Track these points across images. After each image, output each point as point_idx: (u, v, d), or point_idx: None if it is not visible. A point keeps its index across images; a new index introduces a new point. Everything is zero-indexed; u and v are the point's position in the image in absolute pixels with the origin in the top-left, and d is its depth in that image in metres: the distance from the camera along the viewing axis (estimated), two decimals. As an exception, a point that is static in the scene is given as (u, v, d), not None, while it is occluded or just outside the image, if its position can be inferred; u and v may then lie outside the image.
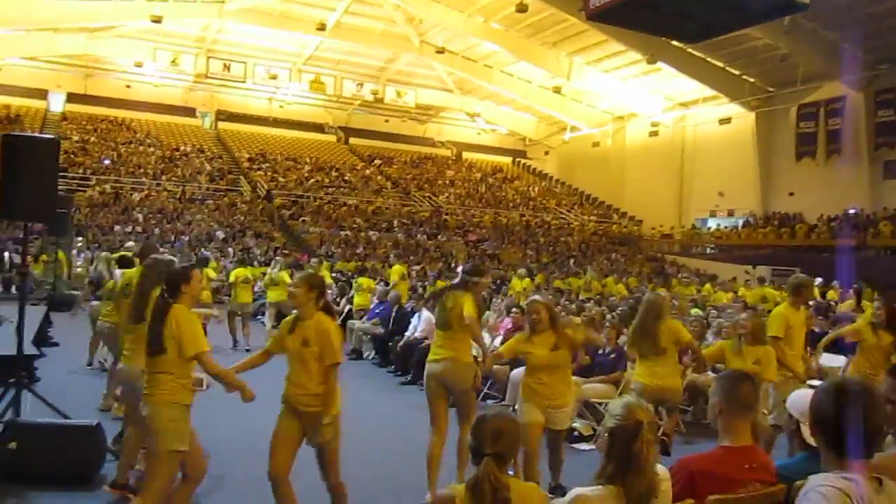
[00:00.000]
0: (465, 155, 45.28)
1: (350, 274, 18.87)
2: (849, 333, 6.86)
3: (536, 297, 5.57)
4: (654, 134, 35.67)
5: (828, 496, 1.77)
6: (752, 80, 29.46)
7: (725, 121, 32.01)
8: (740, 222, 31.14)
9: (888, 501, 1.90)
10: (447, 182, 39.16)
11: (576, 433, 7.34)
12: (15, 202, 5.70)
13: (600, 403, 7.72)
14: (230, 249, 23.26)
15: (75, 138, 32.30)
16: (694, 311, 12.40)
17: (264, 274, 15.47)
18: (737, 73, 29.44)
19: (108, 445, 5.68)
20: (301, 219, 29.18)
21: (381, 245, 27.43)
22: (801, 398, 3.00)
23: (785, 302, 6.85)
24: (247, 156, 36.12)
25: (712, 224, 33.07)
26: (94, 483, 5.27)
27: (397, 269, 17.21)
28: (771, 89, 29.47)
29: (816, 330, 9.39)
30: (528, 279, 19.35)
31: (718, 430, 2.94)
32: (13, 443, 5.17)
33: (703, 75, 29.56)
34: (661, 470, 2.67)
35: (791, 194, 29.09)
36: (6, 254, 16.83)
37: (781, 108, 29.14)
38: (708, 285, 21.94)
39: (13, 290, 16.43)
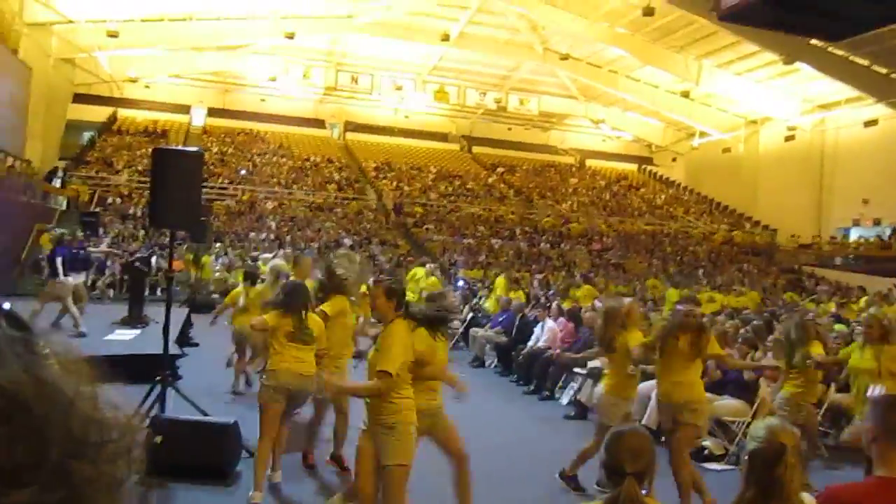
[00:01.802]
0: (589, 162, 44.61)
1: (474, 282, 18.95)
2: None
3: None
4: (790, 138, 33.83)
5: None
6: (901, 78, 27.44)
7: (871, 123, 29.93)
8: (888, 231, 28.99)
9: None
10: (570, 190, 38.69)
11: (706, 451, 7.05)
12: (163, 211, 6.08)
13: (732, 422, 7.38)
14: (357, 256, 23.90)
15: (214, 150, 34.20)
16: (838, 326, 11.63)
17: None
18: (884, 71, 27.48)
19: (244, 443, 5.95)
20: (425, 227, 29.62)
21: (503, 253, 27.42)
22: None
23: None
24: (373, 165, 37.07)
25: (855, 233, 30.95)
26: (230, 478, 5.52)
27: (500, 282, 17.01)
28: (923, 88, 27.32)
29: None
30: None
31: (872, 458, 2.72)
32: (158, 437, 5.50)
33: (845, 75, 27.75)
34: (809, 499, 2.50)
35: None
36: (153, 259, 17.99)
37: (934, 108, 26.97)
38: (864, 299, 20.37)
39: (159, 292, 17.58)
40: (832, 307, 18.18)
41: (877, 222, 29.93)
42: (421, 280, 15.76)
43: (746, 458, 2.49)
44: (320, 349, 5.52)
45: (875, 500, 2.60)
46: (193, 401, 6.19)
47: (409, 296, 13.09)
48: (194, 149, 7.01)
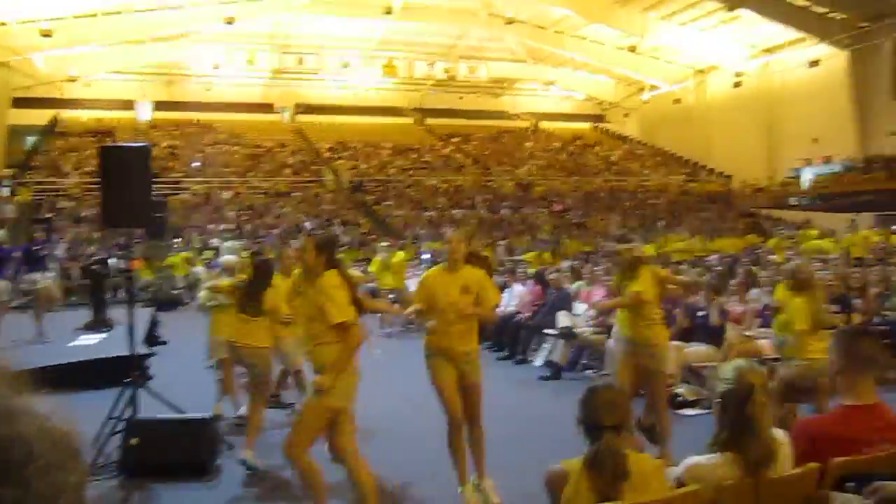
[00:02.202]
0: (543, 125, 44.67)
1: (439, 253, 18.95)
2: None
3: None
4: (738, 85, 34.21)
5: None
6: (841, 16, 27.83)
7: (814, 63, 30.35)
8: (839, 168, 29.60)
9: None
10: (527, 154, 38.77)
11: (680, 398, 7.18)
12: (115, 210, 5.95)
13: (703, 367, 7.52)
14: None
15: (164, 144, 33.53)
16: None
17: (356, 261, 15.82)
18: (823, 10, 27.86)
19: (222, 437, 5.92)
20: (385, 203, 29.50)
21: (466, 222, 27.45)
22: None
23: None
24: (327, 146, 36.71)
25: (808, 173, 31.54)
26: (211, 473, 5.49)
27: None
28: (863, 24, 27.73)
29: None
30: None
31: (839, 389, 2.79)
32: (134, 439, 5.44)
33: (787, 17, 28.12)
34: (780, 434, 2.56)
35: (893, 134, 27.45)
36: (111, 260, 17.64)
37: (875, 43, 27.43)
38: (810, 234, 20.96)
39: (119, 293, 17.30)
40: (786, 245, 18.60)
41: (827, 160, 30.54)
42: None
43: (717, 400, 2.54)
44: (285, 317, 5.75)
45: (843, 427, 2.67)
46: (167, 399, 6.13)
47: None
48: (141, 144, 6.85)
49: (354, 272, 6.59)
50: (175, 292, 17.91)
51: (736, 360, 2.71)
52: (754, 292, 8.87)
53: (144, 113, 37.98)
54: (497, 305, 4.89)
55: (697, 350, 7.74)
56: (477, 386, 4.66)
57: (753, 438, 2.44)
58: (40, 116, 34.45)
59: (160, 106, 38.46)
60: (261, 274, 6.05)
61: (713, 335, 7.87)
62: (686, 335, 7.90)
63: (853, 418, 2.69)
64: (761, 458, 2.44)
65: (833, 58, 29.15)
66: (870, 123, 28.51)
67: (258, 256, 6.60)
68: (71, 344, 9.69)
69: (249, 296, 5.92)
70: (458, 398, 4.58)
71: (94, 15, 28.65)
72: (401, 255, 14.45)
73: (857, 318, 7.86)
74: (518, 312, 10.80)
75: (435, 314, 4.64)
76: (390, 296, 14.24)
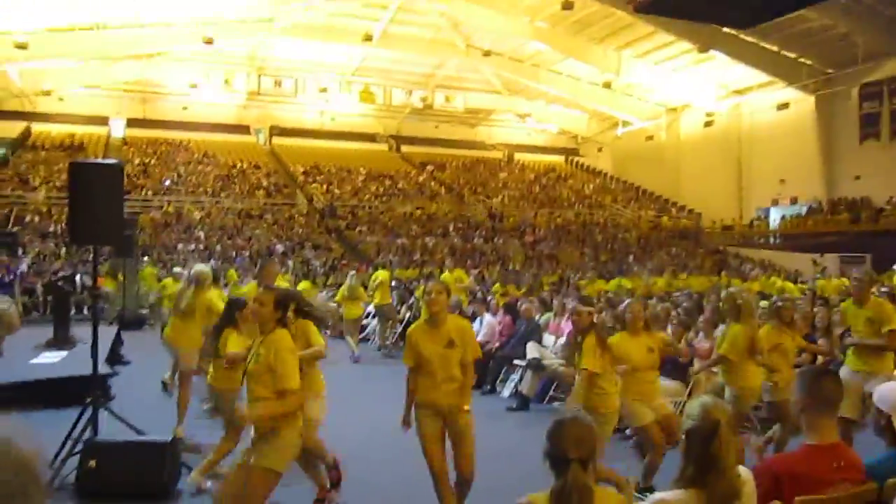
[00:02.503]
0: (518, 156, 45.10)
1: (410, 281, 18.94)
2: None
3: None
4: (709, 124, 34.92)
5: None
6: (809, 62, 28.63)
7: (783, 106, 31.14)
8: (804, 209, 30.22)
9: None
10: (500, 184, 39.05)
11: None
12: (84, 227, 5.87)
13: (671, 403, 7.55)
14: (290, 262, 23.61)
15: (136, 161, 33.26)
16: (763, 303, 12.03)
17: (326, 287, 15.77)
18: (793, 56, 28.63)
19: (183, 460, 5.81)
20: (357, 229, 29.46)
21: (438, 251, 27.49)
22: (891, 391, 2.85)
23: (849, 300, 6.69)
24: (301, 169, 36.65)
25: (775, 213, 32.16)
26: (171, 497, 5.38)
27: (447, 277, 17.24)
28: (830, 70, 28.56)
29: None
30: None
31: (803, 428, 2.83)
32: (93, 461, 5.32)
33: (757, 61, 28.83)
34: (744, 472, 2.58)
35: (857, 178, 28.13)
36: (77, 277, 17.40)
37: (842, 88, 28.23)
38: (774, 278, 21.34)
39: (85, 311, 17.01)
40: (756, 286, 18.86)
41: (794, 201, 31.18)
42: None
43: (684, 436, 2.55)
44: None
45: (806, 467, 2.70)
46: (128, 420, 6.01)
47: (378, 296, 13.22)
48: (113, 161, 6.80)
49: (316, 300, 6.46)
50: (142, 312, 17.64)
51: (702, 397, 2.74)
52: (721, 328, 8.94)
53: (117, 129, 37.65)
54: (474, 359, 4.71)
55: (665, 386, 7.78)
56: (468, 442, 4.57)
57: (718, 475, 2.45)
58: (10, 129, 34.01)
59: (134, 123, 38.17)
60: (226, 314, 5.95)
61: (680, 371, 7.94)
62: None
63: (815, 458, 2.73)
64: (725, 495, 2.45)
65: (801, 101, 29.90)
66: (835, 166, 29.22)
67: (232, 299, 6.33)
68: (31, 361, 9.48)
69: (214, 335, 5.87)
70: (439, 449, 4.54)
71: (72, 29, 28.49)
72: (384, 273, 14.36)
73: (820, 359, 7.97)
74: (487, 342, 10.79)
75: (423, 371, 4.58)
76: (370, 310, 14.26)
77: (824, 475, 2.67)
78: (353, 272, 14.92)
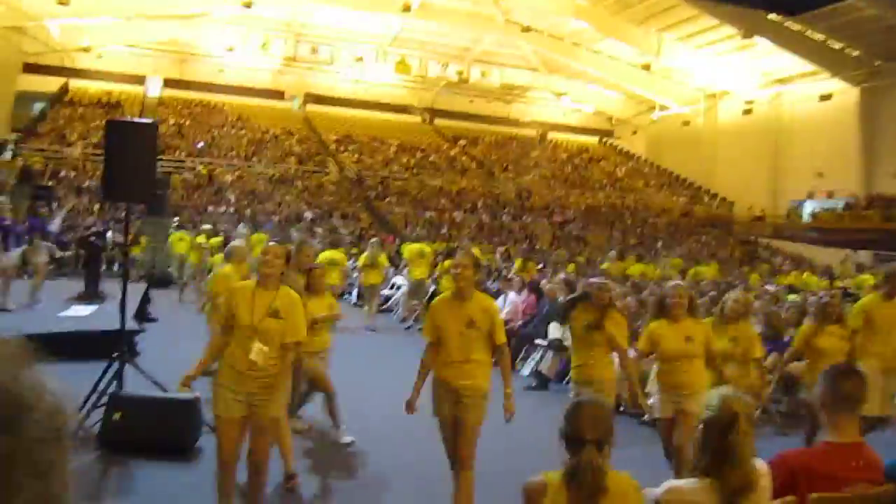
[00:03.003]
0: (551, 135, 44.73)
1: (439, 254, 18.96)
2: None
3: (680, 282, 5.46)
4: (748, 112, 34.31)
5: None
6: (856, 53, 27.91)
7: (826, 97, 30.47)
8: (840, 204, 29.68)
9: None
10: (532, 163, 38.82)
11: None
12: (117, 183, 5.95)
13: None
14: (318, 230, 23.75)
15: (171, 122, 33.53)
16: (790, 297, 11.92)
17: (352, 256, 15.85)
18: (839, 46, 27.94)
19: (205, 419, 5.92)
20: (387, 199, 29.51)
21: (466, 226, 27.47)
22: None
23: (874, 293, 6.55)
24: (334, 137, 36.72)
25: (809, 206, 31.62)
26: (191, 454, 5.49)
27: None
28: (878, 63, 27.83)
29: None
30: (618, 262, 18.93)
31: (822, 424, 2.80)
32: (117, 414, 5.44)
33: (802, 50, 28.19)
34: (760, 464, 2.57)
35: (896, 175, 27.55)
36: (109, 233, 17.64)
37: (889, 82, 27.51)
38: (797, 273, 20.98)
39: (115, 267, 17.29)
40: (786, 280, 18.63)
41: (830, 195, 30.60)
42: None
43: (701, 426, 2.55)
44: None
45: (823, 464, 2.68)
46: (153, 377, 6.12)
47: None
48: (149, 120, 6.86)
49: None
50: (170, 270, 17.88)
51: (722, 388, 2.72)
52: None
53: (154, 89, 37.92)
54: (504, 344, 4.49)
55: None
56: (468, 426, 4.31)
57: (734, 467, 2.44)
58: (49, 84, 34.44)
59: (170, 83, 38.41)
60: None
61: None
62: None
63: (834, 455, 2.70)
64: (740, 487, 2.45)
65: (845, 93, 29.23)
66: (875, 162, 28.59)
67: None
68: (62, 314, 9.68)
69: None
70: (448, 431, 4.36)
71: (113, -14, 28.68)
72: (426, 247, 14.28)
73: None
74: (510, 321, 10.80)
75: (442, 347, 4.40)
76: (395, 281, 14.26)
77: (842, 473, 2.65)
78: (374, 239, 15.00)
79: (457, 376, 4.33)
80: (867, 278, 17.19)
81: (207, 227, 18.48)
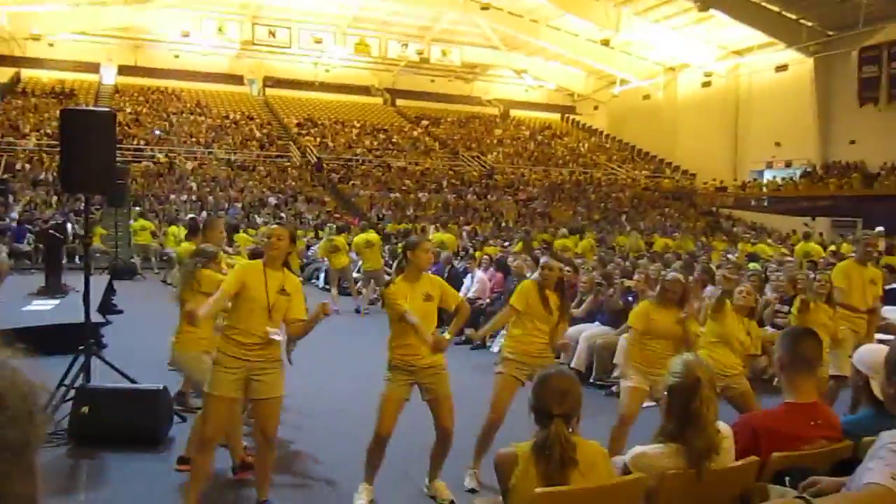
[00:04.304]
0: (513, 112, 44.78)
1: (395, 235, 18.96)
2: None
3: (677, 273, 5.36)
4: (706, 84, 34.71)
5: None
6: (810, 24, 28.33)
7: (782, 68, 30.92)
8: (798, 173, 30.24)
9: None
10: (495, 141, 38.84)
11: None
12: (75, 175, 5.85)
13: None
14: (283, 215, 23.57)
15: (128, 110, 32.90)
16: (752, 265, 12.14)
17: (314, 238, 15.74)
18: (793, 17, 28.33)
19: (174, 407, 5.89)
20: (351, 182, 29.36)
21: (431, 206, 27.47)
22: (871, 353, 2.90)
23: (849, 259, 6.74)
24: (295, 121, 36.36)
25: (769, 176, 32.17)
26: (161, 444, 5.47)
27: (440, 237, 17.09)
28: (831, 33, 28.28)
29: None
30: (572, 238, 18.95)
31: (783, 386, 2.89)
32: (85, 407, 5.39)
33: (757, 21, 28.52)
34: (724, 427, 2.65)
35: (852, 142, 28.10)
36: (69, 225, 17.33)
37: (842, 52, 28.00)
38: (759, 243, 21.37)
39: (76, 260, 17.01)
40: (748, 247, 18.97)
41: (788, 164, 31.17)
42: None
43: (665, 392, 2.61)
44: None
45: (783, 423, 2.77)
46: (120, 368, 6.07)
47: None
48: (105, 109, 6.74)
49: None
50: (133, 260, 17.64)
51: (686, 354, 2.80)
52: (709, 289, 9.03)
53: (109, 77, 37.14)
54: (460, 299, 4.71)
55: (598, 331, 8.09)
56: (445, 397, 4.48)
57: (698, 431, 2.52)
58: (0, 74, 33.54)
59: (125, 70, 37.66)
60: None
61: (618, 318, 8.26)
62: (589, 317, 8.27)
63: (794, 415, 2.79)
64: (704, 450, 2.52)
65: (800, 64, 29.69)
66: (831, 130, 29.15)
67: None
68: (24, 308, 9.51)
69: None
70: (395, 414, 4.41)
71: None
72: (373, 235, 13.89)
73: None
74: (478, 298, 10.88)
75: (401, 327, 4.43)
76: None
77: (801, 432, 2.74)
78: (330, 223, 15.01)
79: (421, 357, 4.43)
80: (814, 247, 17.54)
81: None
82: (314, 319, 4.19)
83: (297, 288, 4.32)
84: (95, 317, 7.79)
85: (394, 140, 36.06)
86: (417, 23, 38.20)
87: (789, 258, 15.25)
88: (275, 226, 4.51)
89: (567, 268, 10.21)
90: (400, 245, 5.31)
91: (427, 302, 4.50)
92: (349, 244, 13.71)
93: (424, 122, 39.70)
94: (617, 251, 16.77)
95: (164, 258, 17.10)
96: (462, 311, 4.71)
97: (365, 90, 42.90)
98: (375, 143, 35.11)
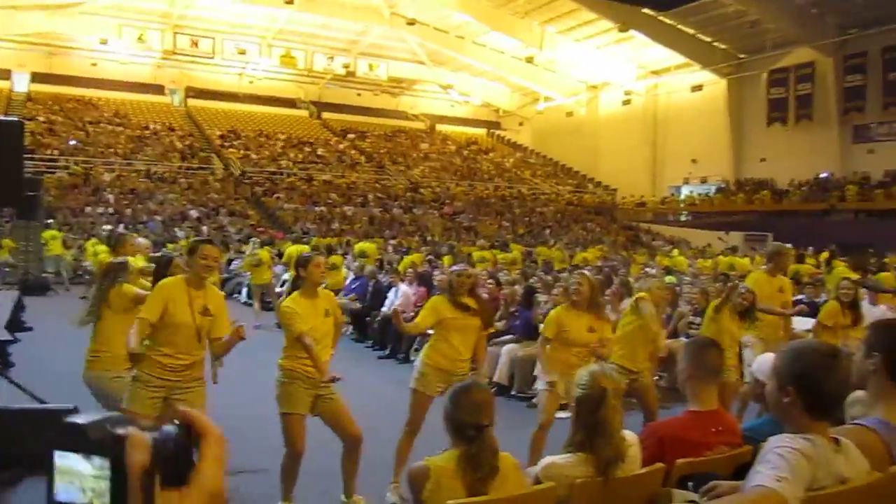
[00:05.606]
0: (439, 127, 45.05)
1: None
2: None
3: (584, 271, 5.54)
4: (627, 102, 35.75)
5: (786, 457, 1.82)
6: (723, 46, 29.60)
7: (697, 88, 32.15)
8: (713, 189, 31.41)
9: (845, 460, 1.96)
10: (422, 155, 39.00)
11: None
12: (-20, 187, 5.63)
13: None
14: (204, 229, 23.07)
15: (41, 119, 31.68)
16: (668, 278, 12.53)
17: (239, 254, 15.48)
18: (708, 39, 29.56)
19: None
20: (275, 195, 28.97)
21: (357, 220, 27.35)
22: (766, 362, 3.06)
23: (760, 270, 7.04)
24: (218, 133, 35.68)
25: (686, 191, 33.32)
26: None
27: (362, 246, 17.27)
28: (742, 56, 29.64)
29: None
30: (491, 251, 19.34)
31: (687, 395, 3.01)
32: (-11, 429, 5.15)
33: (674, 43, 29.63)
34: (630, 435, 2.74)
35: (763, 160, 29.40)
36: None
37: (752, 74, 29.36)
38: (676, 253, 22.20)
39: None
40: (665, 261, 19.57)
41: (703, 180, 32.36)
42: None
43: (574, 403, 2.70)
44: None
45: (687, 431, 2.89)
46: (29, 389, 5.83)
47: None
48: (13, 118, 6.50)
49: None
50: (44, 275, 16.96)
51: (591, 366, 2.89)
52: (627, 302, 9.28)
53: (21, 84, 35.69)
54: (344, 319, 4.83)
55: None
56: (343, 406, 4.48)
57: (605, 440, 2.61)
58: None
59: (38, 78, 36.24)
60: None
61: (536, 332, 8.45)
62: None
63: (697, 423, 2.92)
64: (612, 458, 2.61)
65: (715, 84, 30.94)
66: (743, 149, 30.44)
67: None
68: (-77, 326, 9.03)
69: None
70: (303, 429, 4.37)
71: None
72: (265, 252, 13.65)
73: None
74: (403, 312, 10.88)
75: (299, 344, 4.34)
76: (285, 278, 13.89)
77: (704, 439, 2.86)
78: (254, 238, 14.91)
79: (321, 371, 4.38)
80: (739, 261, 18.31)
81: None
82: (230, 343, 4.14)
83: (221, 305, 4.27)
84: (2, 334, 7.47)
85: (319, 153, 35.78)
86: (344, 36, 38.13)
87: (705, 274, 15.86)
88: (207, 245, 4.28)
89: (490, 280, 10.38)
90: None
91: (327, 318, 4.50)
92: (273, 258, 13.60)
93: (350, 136, 39.55)
94: (540, 264, 17.04)
95: (80, 273, 16.54)
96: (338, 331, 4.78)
97: (290, 103, 42.47)
98: (301, 155, 34.77)
